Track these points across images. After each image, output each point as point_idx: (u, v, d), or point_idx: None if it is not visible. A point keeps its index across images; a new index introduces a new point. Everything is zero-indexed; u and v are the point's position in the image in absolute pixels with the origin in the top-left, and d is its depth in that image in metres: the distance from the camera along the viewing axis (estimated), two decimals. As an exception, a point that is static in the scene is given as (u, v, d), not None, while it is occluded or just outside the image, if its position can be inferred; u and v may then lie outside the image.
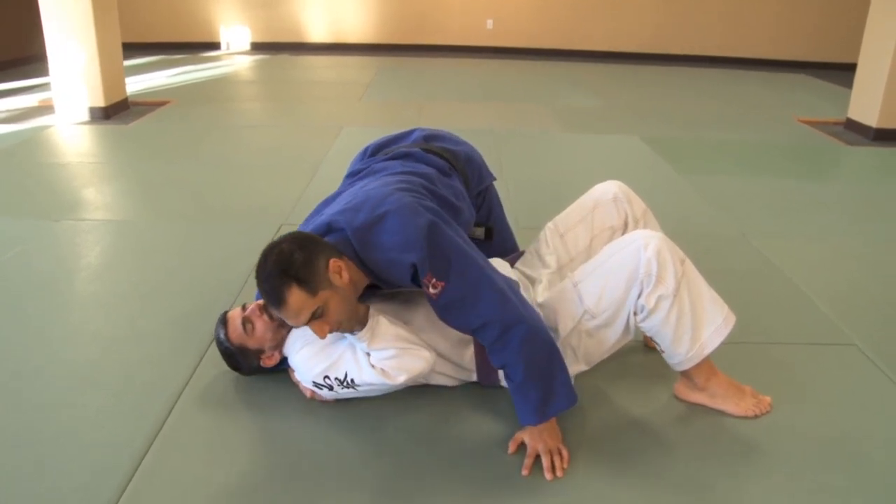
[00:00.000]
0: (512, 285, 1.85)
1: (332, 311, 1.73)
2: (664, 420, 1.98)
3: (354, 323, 1.83)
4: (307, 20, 10.07)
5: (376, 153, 2.28)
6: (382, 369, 1.82)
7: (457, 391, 2.05)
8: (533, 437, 1.80)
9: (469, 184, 2.24)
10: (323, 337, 1.76)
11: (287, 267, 1.65)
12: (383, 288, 1.92)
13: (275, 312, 1.73)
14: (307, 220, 2.02)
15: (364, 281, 1.83)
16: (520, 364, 1.75)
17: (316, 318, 1.71)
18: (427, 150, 2.19)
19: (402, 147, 2.23)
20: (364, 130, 5.29)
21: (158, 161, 4.45)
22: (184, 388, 2.07)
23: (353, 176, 2.18)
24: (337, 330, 1.79)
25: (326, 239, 1.80)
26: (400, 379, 1.83)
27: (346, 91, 6.96)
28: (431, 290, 1.73)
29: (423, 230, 1.72)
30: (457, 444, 1.87)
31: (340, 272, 1.73)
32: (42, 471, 1.73)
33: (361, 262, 1.79)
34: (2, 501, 1.63)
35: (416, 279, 1.75)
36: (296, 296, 1.66)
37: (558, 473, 1.75)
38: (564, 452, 1.80)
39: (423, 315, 1.96)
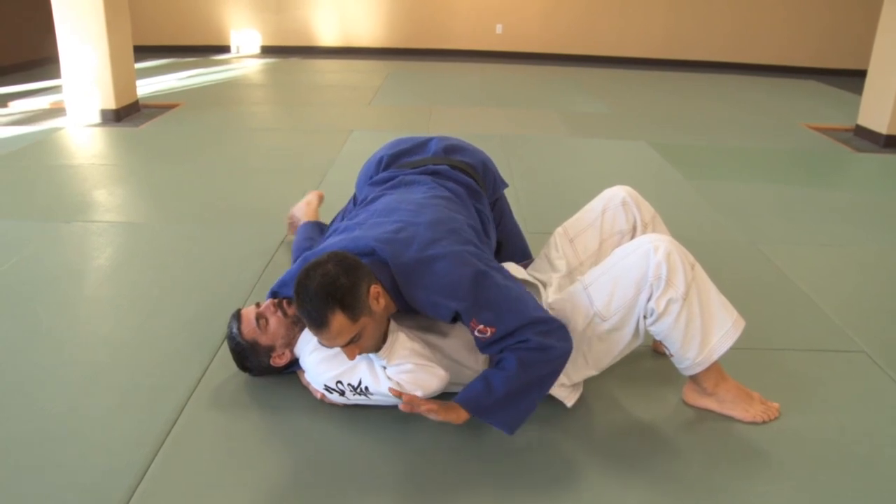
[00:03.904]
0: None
1: (367, 336, 1.76)
2: (673, 425, 1.99)
3: (380, 345, 1.84)
4: (317, 24, 10.10)
5: (392, 164, 2.30)
6: (398, 382, 1.83)
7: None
8: (442, 409, 1.80)
9: (486, 195, 2.27)
10: (352, 360, 1.79)
11: (333, 291, 1.66)
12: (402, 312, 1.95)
13: (313, 332, 1.73)
14: (339, 231, 2.05)
15: (393, 308, 1.85)
16: (519, 374, 1.76)
17: (351, 343, 1.73)
18: (453, 167, 2.22)
19: (426, 160, 2.25)
20: (373, 134, 5.31)
21: (168, 163, 4.47)
22: (194, 389, 2.08)
23: (382, 183, 2.21)
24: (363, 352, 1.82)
25: (364, 261, 1.81)
26: (415, 394, 1.84)
27: (356, 95, 6.98)
28: (478, 334, 1.77)
29: (471, 280, 1.76)
30: (469, 446, 1.87)
31: (378, 298, 1.76)
32: (52, 471, 1.74)
33: (396, 292, 1.82)
34: (11, 501, 1.65)
35: (455, 320, 1.80)
36: (338, 321, 1.67)
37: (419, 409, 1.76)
38: (439, 417, 1.80)
39: (441, 324, 1.99)
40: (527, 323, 1.76)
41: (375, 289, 1.75)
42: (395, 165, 2.31)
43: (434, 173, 2.20)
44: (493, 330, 1.76)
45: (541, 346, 1.76)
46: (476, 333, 1.77)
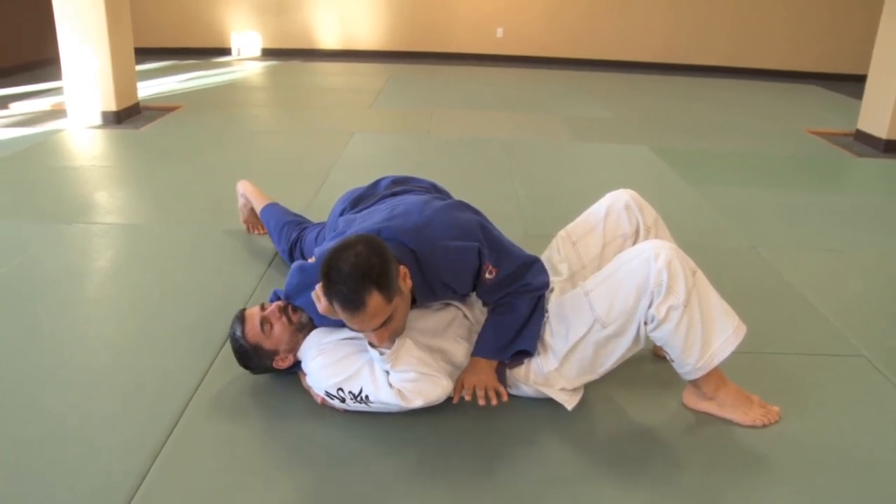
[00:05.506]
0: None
1: (396, 319, 1.77)
2: (672, 429, 1.99)
3: (399, 334, 1.86)
4: (318, 27, 10.12)
5: (357, 205, 2.37)
6: (400, 390, 1.83)
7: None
8: (469, 377, 1.96)
9: None
10: (380, 345, 1.81)
11: (367, 270, 1.64)
12: (418, 302, 1.97)
13: (346, 316, 1.71)
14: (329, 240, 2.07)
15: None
16: (516, 312, 1.96)
17: (382, 325, 1.74)
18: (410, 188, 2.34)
19: (380, 193, 2.34)
20: (375, 137, 5.32)
21: (169, 165, 4.47)
22: (194, 392, 2.08)
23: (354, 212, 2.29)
24: (389, 339, 1.83)
25: None
26: (416, 403, 1.84)
27: (357, 98, 6.99)
28: (488, 275, 1.91)
29: (476, 223, 1.92)
30: (470, 449, 1.87)
31: (406, 279, 1.77)
32: (51, 473, 1.74)
33: (417, 269, 1.85)
34: (11, 501, 1.64)
35: (478, 271, 1.90)
36: (375, 301, 1.66)
37: (493, 402, 1.91)
38: (501, 389, 1.95)
39: (446, 326, 2.03)
40: (523, 264, 1.96)
41: (403, 269, 1.77)
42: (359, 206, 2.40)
43: (392, 195, 2.28)
44: (497, 271, 1.91)
45: (539, 287, 1.97)
46: (486, 275, 1.90)
